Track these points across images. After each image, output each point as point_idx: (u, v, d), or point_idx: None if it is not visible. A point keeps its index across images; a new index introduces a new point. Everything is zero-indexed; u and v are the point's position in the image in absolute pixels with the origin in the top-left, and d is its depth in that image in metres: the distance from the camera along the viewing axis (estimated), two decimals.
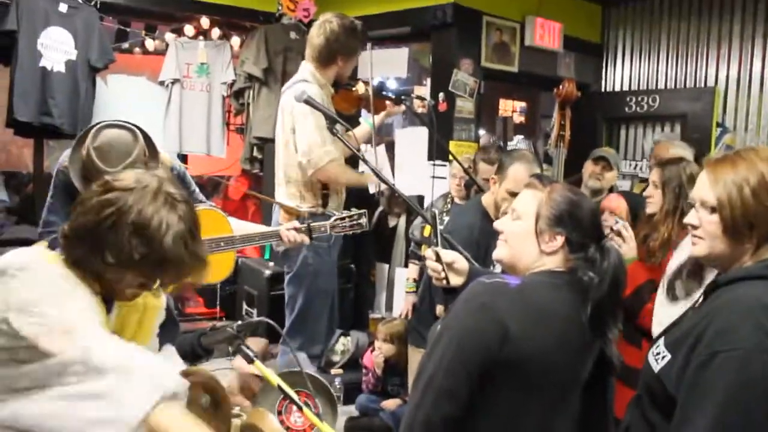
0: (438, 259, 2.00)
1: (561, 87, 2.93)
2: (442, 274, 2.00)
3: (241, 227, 2.97)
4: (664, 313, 2.35)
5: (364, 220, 2.96)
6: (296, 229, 2.92)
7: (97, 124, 2.46)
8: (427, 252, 2.08)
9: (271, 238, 2.97)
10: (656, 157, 4.44)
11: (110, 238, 1.49)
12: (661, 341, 1.64)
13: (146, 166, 2.43)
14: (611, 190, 4.11)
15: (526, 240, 1.76)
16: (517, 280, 1.70)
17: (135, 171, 1.62)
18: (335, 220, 2.96)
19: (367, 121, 3.74)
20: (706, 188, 1.59)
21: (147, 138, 2.49)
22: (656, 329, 2.49)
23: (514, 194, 2.81)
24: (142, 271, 1.54)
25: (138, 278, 1.57)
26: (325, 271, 3.57)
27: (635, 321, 2.76)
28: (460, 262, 2.05)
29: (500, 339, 1.58)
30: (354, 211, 2.98)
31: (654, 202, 2.86)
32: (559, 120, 2.94)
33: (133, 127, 2.47)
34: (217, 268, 2.94)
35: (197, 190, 3.03)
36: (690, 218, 1.63)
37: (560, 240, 1.72)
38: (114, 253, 1.49)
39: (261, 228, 3.02)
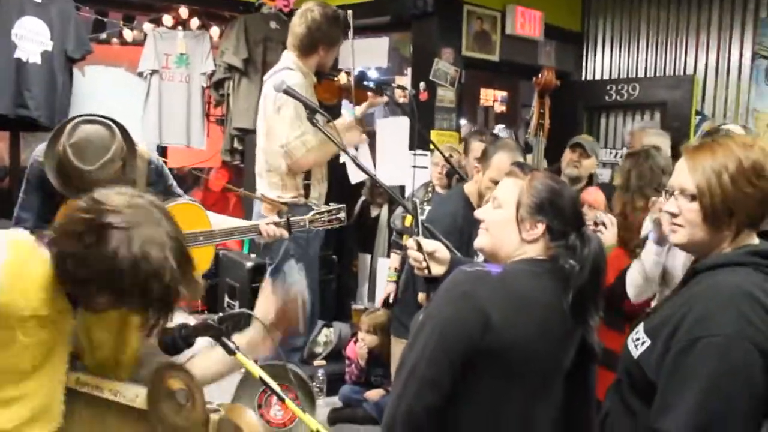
0: (419, 248, 2.00)
1: (540, 76, 2.94)
2: (423, 264, 2.00)
3: (220, 221, 2.93)
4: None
5: (342, 215, 2.95)
6: (275, 224, 2.90)
7: (73, 119, 2.40)
8: (409, 241, 2.08)
9: (250, 232, 2.94)
10: (630, 146, 4.49)
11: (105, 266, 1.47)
12: (641, 327, 1.65)
13: (123, 163, 2.40)
14: (591, 178, 4.15)
15: (506, 228, 1.76)
16: (499, 269, 1.70)
17: (123, 191, 1.58)
18: (314, 214, 2.94)
19: (351, 112, 3.73)
20: (685, 175, 1.58)
21: (124, 132, 2.43)
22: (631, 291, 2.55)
23: (497, 183, 2.82)
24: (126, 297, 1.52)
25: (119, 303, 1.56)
26: (306, 262, 3.55)
27: (618, 305, 2.78)
28: (442, 251, 2.05)
29: (482, 327, 1.59)
30: (333, 205, 2.97)
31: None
32: (538, 109, 2.96)
33: (110, 123, 2.41)
34: (198, 261, 2.92)
35: (174, 183, 2.98)
36: (669, 206, 1.63)
37: (541, 228, 1.72)
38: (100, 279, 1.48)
39: (241, 222, 2.98)
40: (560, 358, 1.71)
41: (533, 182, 1.76)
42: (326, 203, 3.69)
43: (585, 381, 1.79)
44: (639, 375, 1.58)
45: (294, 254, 3.49)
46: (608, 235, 2.88)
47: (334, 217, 2.95)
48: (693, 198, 1.56)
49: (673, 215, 1.62)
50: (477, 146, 3.80)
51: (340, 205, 2.97)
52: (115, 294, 1.50)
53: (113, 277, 1.46)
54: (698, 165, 1.56)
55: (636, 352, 1.60)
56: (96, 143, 2.35)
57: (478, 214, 1.86)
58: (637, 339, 1.62)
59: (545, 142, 3.07)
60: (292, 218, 2.91)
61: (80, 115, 2.44)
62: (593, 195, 3.36)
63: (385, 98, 3.65)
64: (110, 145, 2.37)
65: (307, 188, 3.52)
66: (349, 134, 3.57)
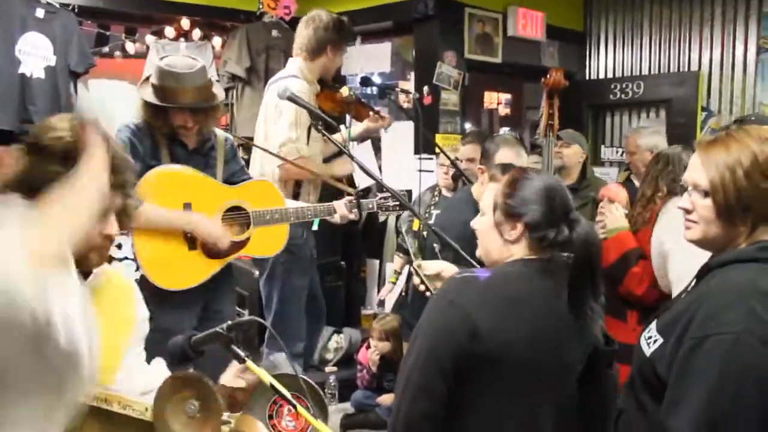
0: (417, 273, 2.01)
1: (548, 76, 2.92)
2: (422, 287, 2.03)
3: (293, 203, 3.07)
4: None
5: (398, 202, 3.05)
6: (348, 203, 2.98)
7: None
8: (414, 265, 2.08)
9: (324, 212, 3.00)
10: (627, 149, 4.48)
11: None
12: (653, 325, 1.63)
13: (211, 83, 2.85)
14: (585, 168, 4.21)
15: (489, 234, 1.76)
16: (487, 273, 1.69)
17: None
18: (380, 198, 3.04)
19: (347, 131, 3.72)
20: (698, 171, 1.56)
21: None
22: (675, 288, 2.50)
23: None
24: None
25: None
26: (297, 269, 3.53)
27: (618, 287, 2.77)
28: (448, 270, 2.05)
29: (470, 335, 1.58)
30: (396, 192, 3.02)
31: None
32: (547, 109, 2.94)
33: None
34: (272, 241, 2.98)
35: (244, 166, 3.16)
36: (683, 202, 1.61)
37: (520, 227, 1.70)
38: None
39: (313, 203, 3.08)
40: (562, 359, 1.67)
41: (505, 182, 1.75)
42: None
43: (598, 383, 1.74)
44: (651, 373, 1.56)
45: (284, 261, 3.47)
46: (615, 216, 2.86)
47: (395, 203, 3.03)
48: (706, 194, 1.54)
49: (687, 211, 1.60)
50: (468, 149, 3.79)
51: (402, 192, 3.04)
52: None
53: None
54: (711, 160, 1.54)
55: (648, 350, 1.58)
56: (184, 59, 2.81)
57: (472, 225, 1.86)
58: (650, 337, 1.60)
59: (556, 142, 3.05)
60: (362, 200, 2.98)
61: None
62: (615, 190, 3.31)
63: (385, 123, 3.68)
64: (197, 62, 2.81)
65: (296, 196, 3.49)
66: (340, 166, 3.58)
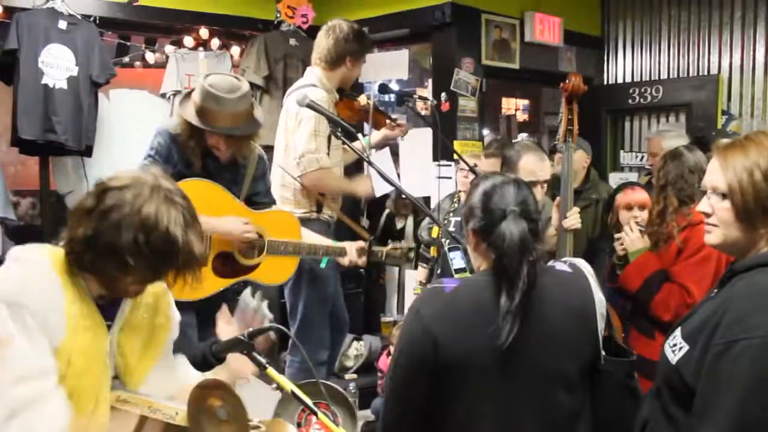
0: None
1: (567, 81, 2.90)
2: None
3: (309, 237, 3.10)
4: None
5: (412, 255, 3.13)
6: (360, 249, 3.02)
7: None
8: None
9: (335, 253, 3.05)
10: (650, 152, 4.47)
11: (116, 240, 1.51)
12: (678, 332, 1.61)
13: (253, 107, 2.86)
14: (588, 172, 4.31)
15: (472, 249, 1.80)
16: (454, 283, 1.72)
17: (131, 171, 1.63)
18: (391, 248, 3.09)
19: (365, 140, 3.73)
20: (716, 174, 1.56)
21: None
22: None
23: (534, 184, 2.79)
24: (150, 266, 1.55)
25: (144, 275, 1.58)
26: (322, 276, 3.53)
27: (646, 312, 2.74)
28: None
29: (431, 346, 1.62)
30: (405, 245, 3.11)
31: (653, 170, 2.88)
32: (566, 115, 2.91)
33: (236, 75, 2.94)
34: (280, 271, 3.02)
35: (270, 189, 3.20)
36: (702, 206, 1.61)
37: (470, 235, 1.74)
38: (123, 254, 1.51)
39: (329, 242, 3.10)
40: (539, 365, 1.65)
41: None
42: (353, 217, 3.72)
43: (603, 393, 1.73)
44: (678, 381, 1.54)
45: (309, 269, 3.47)
46: (632, 239, 2.83)
47: (406, 255, 3.09)
48: (724, 197, 1.54)
49: (707, 215, 1.59)
50: (489, 163, 3.76)
51: (413, 246, 3.05)
52: (129, 266, 1.53)
53: (120, 249, 1.51)
54: (729, 163, 1.54)
55: (674, 357, 1.56)
56: (230, 82, 2.79)
57: None
58: (674, 345, 1.58)
59: (576, 148, 3.03)
60: (374, 248, 3.04)
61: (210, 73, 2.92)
62: (640, 195, 3.26)
63: (403, 131, 3.69)
64: (242, 85, 2.80)
65: (319, 205, 3.51)
66: (361, 185, 3.60)
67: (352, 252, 3.01)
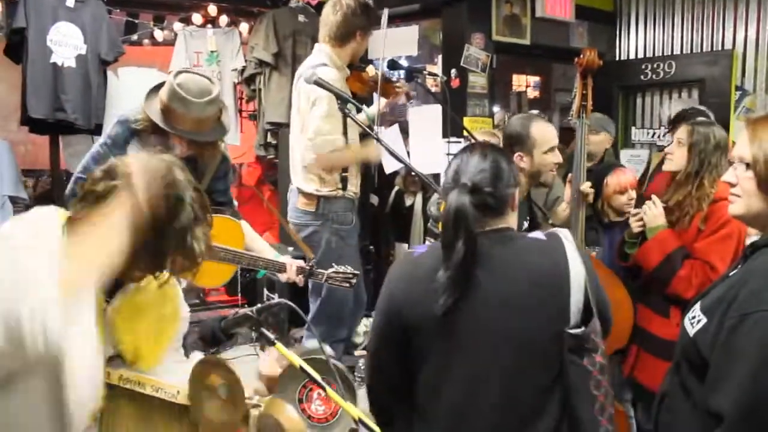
0: None
1: (582, 56, 2.86)
2: None
3: (253, 244, 3.03)
4: None
5: (354, 281, 3.06)
6: (300, 269, 2.96)
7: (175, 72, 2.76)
8: None
9: (273, 268, 2.99)
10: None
11: (123, 223, 1.47)
12: (698, 306, 1.62)
13: (220, 111, 2.74)
14: (603, 156, 4.14)
15: None
16: (423, 248, 1.83)
17: (141, 155, 1.60)
18: (333, 271, 3.01)
19: (369, 110, 3.71)
20: (744, 145, 1.58)
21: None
22: None
23: (552, 150, 2.74)
24: (155, 254, 1.54)
25: (150, 263, 1.56)
26: (348, 254, 3.54)
27: (665, 290, 2.70)
28: None
29: (396, 308, 1.74)
30: (350, 270, 3.03)
31: (675, 159, 2.80)
32: (580, 90, 2.88)
33: (206, 76, 2.80)
34: (215, 275, 3.01)
35: (229, 189, 3.15)
36: (728, 176, 1.63)
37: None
38: (130, 238, 1.47)
39: (270, 255, 3.02)
40: (497, 331, 1.66)
41: None
42: (362, 194, 3.70)
43: (566, 370, 1.68)
44: (695, 354, 1.55)
45: (335, 247, 3.49)
46: (655, 214, 2.78)
47: (349, 279, 3.03)
48: (748, 167, 1.56)
49: (732, 185, 1.61)
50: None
51: (357, 272, 3.06)
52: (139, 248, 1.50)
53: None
54: (757, 135, 1.56)
55: (692, 330, 1.58)
56: (200, 84, 2.69)
57: None
58: (693, 317, 1.60)
59: (589, 123, 2.99)
60: (315, 269, 2.99)
61: (179, 70, 2.81)
62: (630, 176, 3.27)
63: (407, 90, 3.64)
64: (212, 88, 2.71)
65: (344, 181, 3.51)
66: (366, 150, 3.54)
67: (291, 270, 2.95)
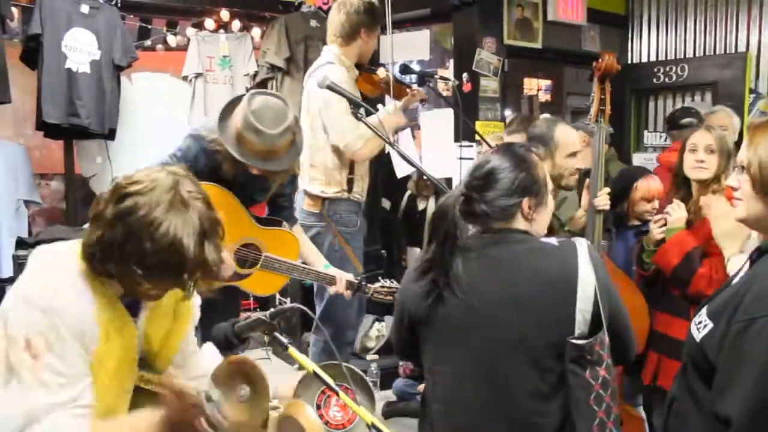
0: None
1: (600, 60, 2.87)
2: None
3: (304, 248, 3.12)
4: None
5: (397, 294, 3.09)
6: (349, 283, 3.03)
7: (248, 92, 2.67)
8: None
9: (324, 281, 3.06)
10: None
11: (128, 247, 1.48)
12: (704, 310, 1.61)
13: (295, 136, 2.69)
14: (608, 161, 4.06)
15: None
16: None
17: (151, 170, 1.58)
18: (379, 286, 3.09)
19: (386, 109, 3.71)
20: (743, 150, 1.60)
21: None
22: None
23: (574, 154, 2.75)
24: (162, 274, 1.52)
25: (160, 282, 1.56)
26: (350, 257, 3.55)
27: (686, 289, 2.70)
28: None
29: (403, 303, 1.88)
30: (395, 285, 3.07)
31: (709, 167, 2.78)
32: (599, 95, 2.88)
33: (280, 95, 2.72)
34: (269, 284, 3.05)
35: (292, 195, 3.20)
36: (731, 180, 1.64)
37: None
38: (135, 261, 1.48)
39: (320, 263, 3.12)
40: (494, 329, 1.69)
41: None
42: (368, 197, 3.69)
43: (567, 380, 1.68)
44: (701, 359, 1.54)
45: (338, 249, 3.50)
46: (680, 216, 2.78)
47: (392, 293, 3.06)
48: (743, 169, 1.58)
49: (734, 189, 1.62)
50: (514, 139, 3.71)
51: (399, 287, 3.08)
52: (147, 271, 1.51)
53: (142, 253, 1.48)
54: (754, 139, 1.58)
55: (698, 335, 1.57)
56: (275, 110, 2.62)
57: None
58: (700, 322, 1.59)
59: (607, 128, 2.98)
60: (363, 283, 3.06)
61: (254, 89, 2.76)
62: (658, 183, 3.26)
63: (423, 95, 3.64)
64: (287, 113, 2.64)
65: (350, 183, 3.52)
66: (392, 120, 3.49)
67: (341, 284, 3.00)
